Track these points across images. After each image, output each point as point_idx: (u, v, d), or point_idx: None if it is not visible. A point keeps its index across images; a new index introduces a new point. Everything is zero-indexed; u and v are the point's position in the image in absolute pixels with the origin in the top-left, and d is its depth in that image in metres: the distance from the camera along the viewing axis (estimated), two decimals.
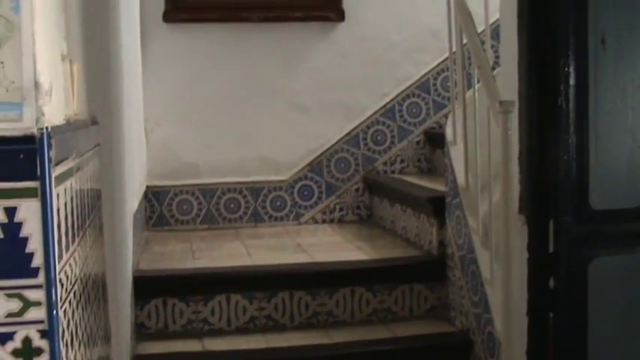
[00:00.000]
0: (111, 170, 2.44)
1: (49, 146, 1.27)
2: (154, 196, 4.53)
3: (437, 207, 3.61)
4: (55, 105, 1.37)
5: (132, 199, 3.37)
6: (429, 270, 3.60)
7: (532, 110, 2.84)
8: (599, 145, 2.79)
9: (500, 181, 2.91)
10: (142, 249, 3.96)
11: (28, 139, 1.25)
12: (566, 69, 2.79)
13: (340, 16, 4.68)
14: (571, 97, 2.78)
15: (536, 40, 2.85)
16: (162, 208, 4.55)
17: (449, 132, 3.63)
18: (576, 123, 2.77)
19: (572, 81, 2.79)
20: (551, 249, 2.75)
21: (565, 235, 2.75)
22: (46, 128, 1.27)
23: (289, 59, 4.67)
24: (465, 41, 3.42)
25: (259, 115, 4.64)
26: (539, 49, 2.83)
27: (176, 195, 4.57)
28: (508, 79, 2.95)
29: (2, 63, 1.25)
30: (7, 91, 1.25)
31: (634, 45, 2.86)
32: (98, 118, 2.09)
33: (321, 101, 4.70)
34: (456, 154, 3.50)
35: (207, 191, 4.59)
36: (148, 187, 4.50)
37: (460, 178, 3.41)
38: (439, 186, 3.85)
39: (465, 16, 3.30)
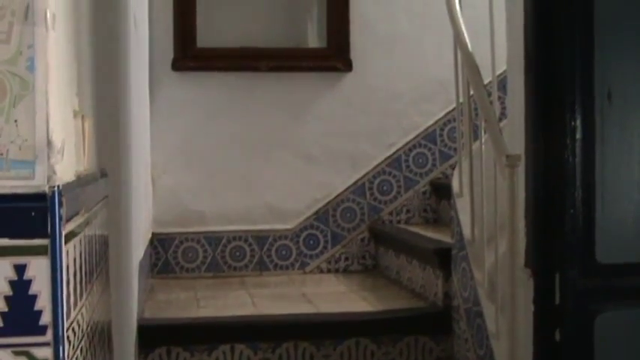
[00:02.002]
0: (118, 221, 2.45)
1: (60, 204, 1.28)
2: (159, 243, 4.53)
3: (443, 259, 3.60)
4: (67, 162, 1.38)
5: (138, 248, 3.37)
6: (435, 322, 3.58)
7: (538, 164, 2.84)
8: (606, 199, 2.78)
9: (507, 233, 2.90)
10: (147, 297, 3.95)
11: (39, 197, 1.26)
12: (573, 123, 2.80)
13: (348, 66, 4.72)
14: (577, 151, 2.79)
15: (543, 94, 2.86)
16: (167, 255, 4.55)
17: (455, 184, 3.64)
18: (583, 177, 2.77)
19: (578, 135, 2.80)
20: (557, 303, 2.74)
21: (571, 289, 2.74)
22: (58, 186, 1.27)
23: (296, 108, 4.70)
24: (472, 92, 3.44)
25: (266, 164, 4.66)
26: (545, 103, 2.85)
27: (182, 242, 4.57)
28: (515, 132, 2.96)
29: (16, 121, 1.26)
30: (19, 149, 1.26)
31: None
32: (107, 170, 2.10)
33: (328, 150, 4.72)
34: (462, 206, 3.50)
35: (213, 239, 4.59)
36: (153, 233, 4.50)
37: (466, 231, 3.40)
38: (445, 237, 3.85)
39: (472, 69, 3.32)
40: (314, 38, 5.09)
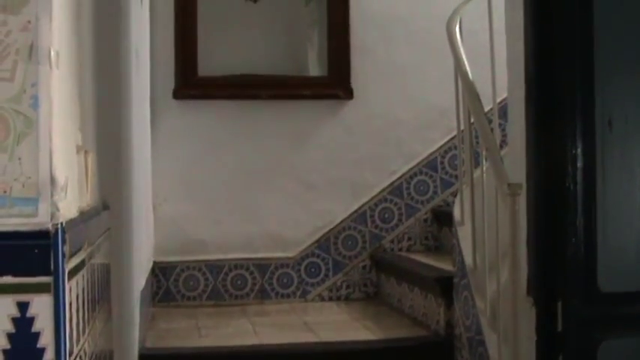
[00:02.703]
0: (120, 252, 2.45)
1: (63, 241, 1.28)
2: (160, 271, 4.53)
3: (445, 287, 3.60)
4: (70, 198, 1.38)
5: (139, 277, 3.37)
6: (437, 351, 3.57)
7: (540, 192, 2.84)
8: (608, 227, 2.78)
9: (508, 261, 2.90)
10: (148, 325, 3.94)
11: (42, 235, 1.26)
12: (574, 151, 2.80)
13: (349, 94, 4.73)
14: (579, 179, 2.79)
15: (544, 122, 2.87)
16: (168, 284, 4.54)
17: (457, 212, 3.64)
18: (584, 205, 2.77)
19: (579, 163, 2.80)
20: (559, 331, 2.73)
21: (574, 318, 2.73)
22: (61, 224, 1.28)
23: (297, 136, 4.71)
24: (472, 120, 3.45)
25: (267, 192, 4.66)
26: (546, 131, 2.85)
27: (183, 271, 4.56)
28: (516, 160, 2.96)
29: (20, 159, 1.26)
30: (23, 186, 1.27)
31: None
32: (109, 202, 2.10)
33: (329, 178, 4.72)
34: (464, 234, 3.50)
35: (214, 267, 4.59)
36: (155, 262, 4.50)
37: (468, 259, 3.40)
38: (446, 265, 3.84)
39: (473, 98, 3.33)
40: (314, 65, 5.11)
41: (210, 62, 4.78)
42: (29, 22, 1.27)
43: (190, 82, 4.63)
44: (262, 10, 5.19)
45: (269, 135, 4.68)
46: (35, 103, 1.26)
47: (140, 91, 3.62)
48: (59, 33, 1.32)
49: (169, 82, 4.61)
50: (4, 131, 1.26)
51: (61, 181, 1.29)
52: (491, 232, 3.19)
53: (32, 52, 1.26)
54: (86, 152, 1.57)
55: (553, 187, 2.80)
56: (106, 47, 2.12)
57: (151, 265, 4.37)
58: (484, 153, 3.29)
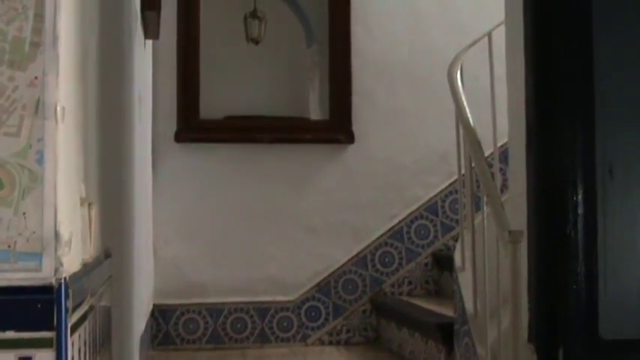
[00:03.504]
0: (120, 299, 2.44)
1: (67, 296, 1.28)
2: (160, 314, 4.51)
3: (445, 333, 3.58)
4: (74, 252, 1.38)
5: (139, 321, 3.36)
6: None
7: (541, 239, 2.84)
8: (609, 275, 2.78)
9: (509, 308, 2.89)
10: None
11: (46, 290, 1.26)
12: (575, 198, 2.81)
13: (350, 138, 4.75)
14: (579, 226, 2.79)
15: (544, 169, 2.87)
16: (168, 327, 4.53)
17: (457, 258, 3.63)
18: (585, 252, 2.77)
19: (580, 210, 2.80)
20: None
21: None
22: (64, 278, 1.28)
23: (299, 180, 4.72)
24: (473, 164, 3.46)
25: (268, 235, 4.66)
26: (547, 179, 2.86)
27: (183, 314, 4.55)
28: (517, 207, 2.97)
29: (24, 213, 1.27)
30: (27, 241, 1.27)
31: None
32: (111, 250, 2.10)
33: (330, 222, 4.72)
34: (465, 280, 3.49)
35: (214, 310, 4.57)
36: (154, 305, 4.49)
37: (469, 305, 3.39)
38: (447, 310, 3.83)
39: (473, 145, 3.34)
40: (316, 107, 5.13)
41: (212, 103, 4.81)
42: (36, 78, 1.28)
43: (192, 126, 4.65)
44: (264, 52, 5.24)
45: (270, 178, 4.69)
46: (41, 159, 1.27)
47: (142, 135, 3.64)
48: (65, 88, 1.33)
49: (171, 125, 4.63)
50: (10, 186, 1.26)
51: (65, 236, 1.30)
52: (492, 278, 3.19)
53: (39, 108, 1.27)
54: (90, 205, 1.58)
55: (554, 234, 2.80)
56: (110, 95, 2.14)
57: (150, 308, 4.35)
58: (485, 199, 3.29)
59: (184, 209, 4.62)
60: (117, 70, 2.42)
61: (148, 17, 3.50)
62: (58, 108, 1.28)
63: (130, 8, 2.93)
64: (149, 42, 4.10)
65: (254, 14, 5.27)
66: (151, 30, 3.71)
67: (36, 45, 1.28)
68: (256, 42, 5.28)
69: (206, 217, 4.63)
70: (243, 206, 4.65)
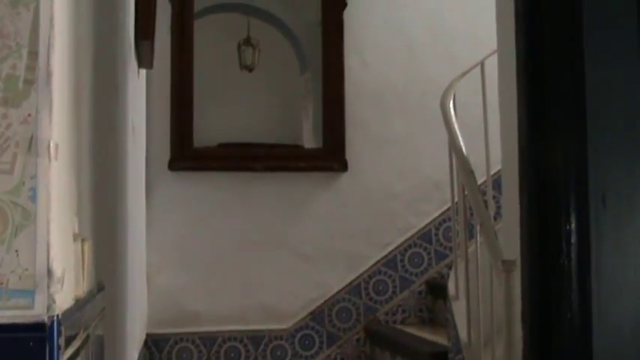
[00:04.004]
0: (114, 330, 2.43)
1: (59, 334, 1.27)
2: (153, 343, 4.49)
3: None
4: (66, 288, 1.38)
5: (132, 352, 3.34)
6: None
7: (534, 269, 2.84)
8: (602, 305, 2.77)
9: (503, 337, 2.89)
10: None
11: (38, 327, 1.25)
12: (567, 227, 2.81)
13: (343, 166, 4.76)
14: (573, 255, 2.79)
15: (537, 198, 2.88)
16: (161, 356, 4.51)
17: (451, 287, 3.63)
18: (579, 281, 2.77)
19: (573, 239, 2.80)
20: None
21: None
22: (57, 316, 1.27)
23: (292, 208, 4.72)
24: (466, 192, 3.46)
25: (261, 263, 4.66)
26: (540, 208, 2.86)
27: (176, 342, 4.53)
28: (510, 236, 2.98)
29: (17, 251, 1.27)
30: (20, 278, 1.26)
31: (635, 204, 2.89)
32: (104, 282, 2.10)
33: (323, 250, 4.72)
34: (459, 309, 3.49)
35: (208, 339, 4.56)
36: (148, 334, 4.47)
37: (462, 334, 3.39)
38: (441, 338, 3.83)
39: (467, 173, 3.35)
40: (309, 135, 5.15)
41: (206, 131, 4.81)
42: (29, 115, 1.28)
43: (186, 154, 4.65)
44: (258, 79, 5.27)
45: (264, 207, 4.69)
46: (34, 196, 1.27)
47: (136, 164, 3.64)
48: (59, 124, 1.33)
49: (165, 153, 4.63)
50: (2, 223, 1.26)
51: (58, 273, 1.29)
52: (485, 307, 3.19)
53: (32, 145, 1.27)
54: (83, 240, 1.57)
55: (547, 263, 2.80)
56: (104, 127, 2.14)
57: (144, 337, 4.33)
58: (478, 228, 3.30)
59: (178, 237, 4.62)
60: (111, 101, 2.42)
61: (142, 47, 3.51)
62: (52, 145, 1.29)
63: (123, 38, 2.94)
64: (143, 71, 4.11)
65: (248, 42, 5.30)
66: (144, 59, 3.72)
67: (29, 82, 1.29)
68: (250, 69, 5.30)
69: (200, 246, 4.62)
70: (237, 234, 4.65)
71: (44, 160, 1.28)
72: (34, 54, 1.29)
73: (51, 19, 1.30)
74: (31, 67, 1.29)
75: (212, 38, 5.11)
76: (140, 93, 4.13)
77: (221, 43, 5.30)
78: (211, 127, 4.93)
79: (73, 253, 1.48)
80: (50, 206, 1.28)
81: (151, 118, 4.60)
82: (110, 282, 2.26)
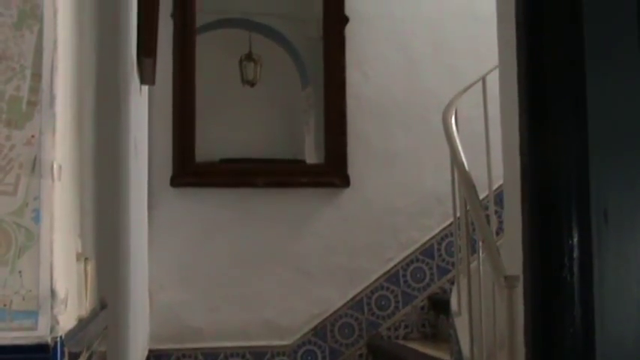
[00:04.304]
0: (116, 347, 2.43)
1: (62, 354, 1.27)
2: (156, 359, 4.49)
3: None
4: (70, 308, 1.38)
5: None
6: None
7: (537, 284, 2.84)
8: (606, 320, 2.77)
9: (506, 352, 2.89)
10: None
11: (41, 348, 1.26)
12: (570, 242, 2.81)
13: (345, 181, 4.76)
14: (575, 270, 2.79)
15: (539, 213, 2.88)
16: None
17: (454, 302, 3.63)
18: (581, 296, 2.77)
19: (575, 254, 2.80)
20: None
21: None
22: (60, 337, 1.27)
23: (294, 224, 4.72)
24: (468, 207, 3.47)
25: (264, 279, 4.65)
26: (542, 223, 2.86)
27: (178, 359, 4.52)
28: (513, 251, 2.97)
29: (20, 272, 1.27)
30: (23, 299, 1.27)
31: (637, 218, 2.89)
32: (107, 300, 2.10)
33: (326, 266, 4.72)
34: (461, 325, 3.49)
35: (210, 355, 4.55)
36: (150, 350, 4.46)
37: (465, 350, 3.38)
38: (444, 354, 3.82)
39: (469, 188, 3.35)
40: (311, 149, 5.15)
41: (208, 146, 4.82)
42: (33, 136, 1.29)
43: (188, 170, 4.65)
44: (260, 94, 5.28)
45: (266, 222, 4.69)
46: (37, 217, 1.27)
47: (138, 180, 3.64)
48: (62, 145, 1.33)
49: (167, 170, 4.63)
50: (6, 245, 1.27)
51: (61, 294, 1.30)
52: (488, 322, 3.19)
53: (35, 166, 1.28)
54: (86, 260, 1.58)
55: (550, 278, 2.80)
56: (106, 145, 2.14)
57: (146, 353, 4.33)
58: (480, 244, 3.30)
59: (180, 253, 4.62)
60: (113, 119, 2.43)
61: (144, 64, 3.52)
62: (55, 166, 1.29)
63: (126, 55, 2.95)
64: (145, 87, 4.12)
65: (249, 57, 5.31)
66: (147, 76, 3.73)
67: (33, 104, 1.30)
68: (252, 84, 5.31)
69: (202, 261, 4.62)
70: (239, 250, 4.65)
71: (47, 182, 1.28)
72: (37, 76, 1.30)
73: (54, 42, 1.31)
74: (35, 89, 1.30)
75: (214, 53, 5.13)
76: (142, 109, 4.14)
77: (223, 58, 5.31)
78: (213, 142, 4.93)
79: (76, 273, 1.48)
80: (53, 227, 1.28)
81: (154, 134, 4.61)
82: (113, 299, 2.27)
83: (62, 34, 1.35)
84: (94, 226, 1.79)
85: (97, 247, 1.82)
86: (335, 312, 4.70)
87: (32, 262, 1.27)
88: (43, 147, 1.29)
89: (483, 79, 3.83)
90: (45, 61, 1.30)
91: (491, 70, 3.71)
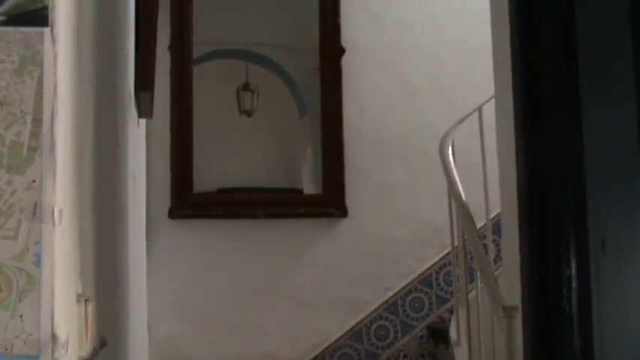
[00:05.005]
0: None
1: None
2: None
3: None
4: (70, 351, 1.39)
5: None
6: None
7: (535, 314, 2.85)
8: (605, 350, 2.78)
9: None
10: None
11: None
12: (568, 272, 2.82)
13: (343, 212, 4.77)
14: (574, 300, 2.80)
15: (537, 243, 2.89)
16: None
17: (453, 332, 3.63)
18: (580, 326, 2.78)
19: (574, 284, 2.81)
20: None
21: None
22: None
23: (293, 254, 4.72)
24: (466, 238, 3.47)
25: (263, 310, 4.65)
26: (540, 253, 2.87)
27: None
28: (511, 281, 2.98)
29: (21, 316, 1.28)
30: (24, 343, 1.27)
31: (635, 248, 2.90)
32: (106, 338, 2.10)
33: (325, 296, 4.71)
34: (461, 355, 3.49)
35: None
36: None
37: None
38: None
39: (466, 219, 3.36)
40: (309, 179, 5.16)
41: (206, 176, 4.83)
42: (34, 181, 1.30)
43: (185, 202, 4.66)
44: (257, 123, 5.29)
45: (264, 253, 4.69)
46: (38, 261, 1.28)
47: (137, 213, 3.64)
48: (62, 189, 1.35)
49: (165, 201, 4.64)
50: (7, 289, 1.28)
51: (62, 338, 1.30)
52: (487, 353, 3.19)
53: (36, 211, 1.29)
54: (86, 301, 1.58)
55: (548, 308, 2.81)
56: (105, 184, 2.15)
57: None
58: (479, 274, 3.30)
59: (179, 285, 4.61)
60: (111, 156, 2.44)
61: (142, 97, 3.53)
62: (55, 210, 1.30)
63: (123, 90, 2.96)
64: (143, 120, 4.13)
65: (246, 86, 5.33)
66: (144, 109, 3.74)
67: (34, 149, 1.31)
68: (249, 114, 5.33)
69: (201, 293, 4.62)
70: (238, 281, 4.64)
71: (48, 226, 1.29)
72: (38, 121, 1.31)
73: (55, 87, 1.32)
74: (36, 134, 1.31)
75: (211, 83, 5.15)
76: (140, 142, 4.15)
77: (220, 88, 5.33)
78: (211, 172, 4.94)
79: (77, 316, 1.49)
80: (54, 271, 1.29)
81: (151, 166, 4.62)
82: (112, 337, 2.26)
83: (62, 78, 1.36)
84: (94, 266, 1.80)
85: (97, 287, 1.83)
86: (334, 342, 4.69)
87: (33, 306, 1.28)
88: (44, 191, 1.30)
89: (479, 110, 3.85)
90: (45, 107, 1.31)
91: (487, 101, 3.73)
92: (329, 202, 4.78)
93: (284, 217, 4.71)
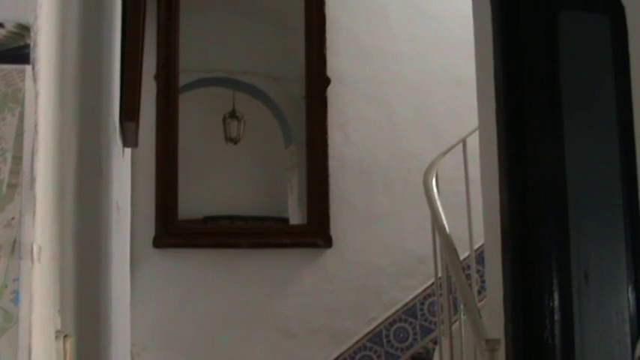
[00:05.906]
0: None
1: None
2: None
3: None
4: None
5: None
6: None
7: (518, 347, 2.86)
8: None
9: None
10: None
11: None
12: (551, 304, 2.84)
13: (328, 242, 4.76)
14: (556, 332, 2.81)
15: (521, 275, 2.90)
16: None
17: None
18: (563, 357, 2.78)
19: (557, 316, 2.83)
20: None
21: None
22: None
23: (277, 284, 4.71)
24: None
25: (247, 340, 4.63)
26: (523, 286, 2.88)
27: None
28: (494, 313, 2.99)
29: None
30: None
31: (616, 280, 2.92)
32: None
33: (308, 326, 4.70)
34: None
35: None
36: None
37: None
38: None
39: (450, 251, 3.36)
40: (294, 207, 5.16)
41: (191, 203, 4.83)
42: (13, 218, 1.29)
43: (170, 231, 4.65)
44: (243, 151, 5.30)
45: (248, 283, 4.68)
46: (16, 299, 1.28)
47: (120, 244, 3.62)
48: (42, 226, 1.34)
49: (149, 230, 4.63)
50: None
51: None
52: None
53: (15, 248, 1.29)
54: (65, 337, 1.58)
55: (531, 340, 2.82)
56: (87, 217, 2.15)
57: None
58: (462, 307, 3.30)
59: (162, 315, 4.59)
60: (95, 187, 2.43)
61: (126, 127, 3.53)
62: (35, 248, 1.30)
63: (108, 120, 2.95)
64: (128, 149, 4.12)
65: (233, 114, 5.34)
66: (129, 139, 3.73)
67: (13, 186, 1.31)
68: (235, 142, 5.34)
69: (185, 323, 4.59)
70: (222, 311, 4.63)
71: (27, 263, 1.29)
72: (18, 159, 1.31)
73: (35, 125, 1.32)
74: (15, 172, 1.31)
75: (197, 111, 5.16)
76: (125, 171, 4.13)
77: (206, 115, 5.35)
78: (196, 200, 4.94)
79: (54, 352, 1.48)
80: (32, 308, 1.29)
81: (136, 195, 4.60)
82: None
83: (43, 116, 1.36)
84: (75, 301, 1.80)
85: (77, 322, 1.83)
86: None
87: (11, 343, 1.27)
88: (23, 229, 1.30)
89: (464, 141, 3.87)
90: (26, 144, 1.32)
91: (471, 132, 3.75)
92: (314, 232, 4.77)
93: (269, 247, 4.70)
